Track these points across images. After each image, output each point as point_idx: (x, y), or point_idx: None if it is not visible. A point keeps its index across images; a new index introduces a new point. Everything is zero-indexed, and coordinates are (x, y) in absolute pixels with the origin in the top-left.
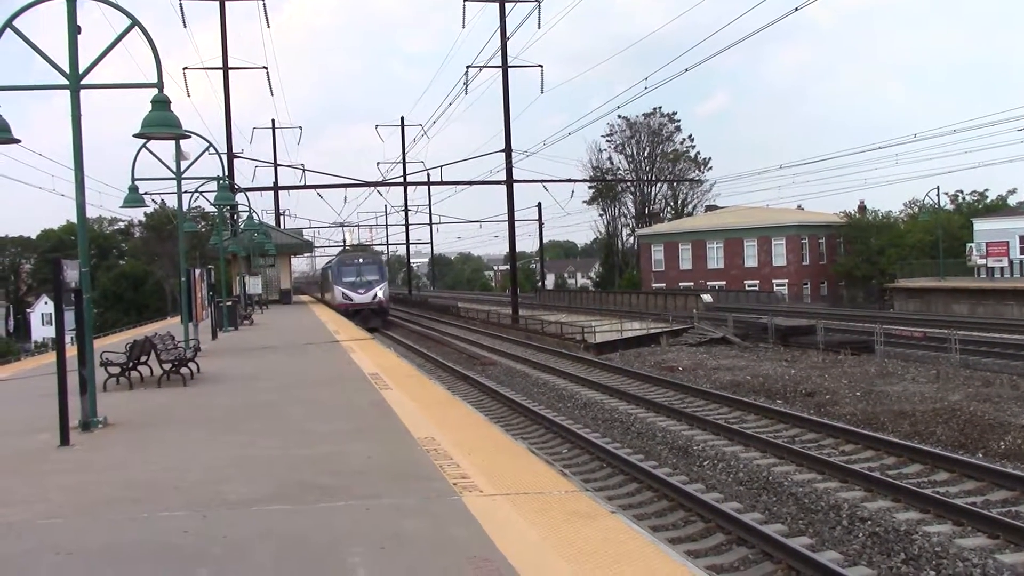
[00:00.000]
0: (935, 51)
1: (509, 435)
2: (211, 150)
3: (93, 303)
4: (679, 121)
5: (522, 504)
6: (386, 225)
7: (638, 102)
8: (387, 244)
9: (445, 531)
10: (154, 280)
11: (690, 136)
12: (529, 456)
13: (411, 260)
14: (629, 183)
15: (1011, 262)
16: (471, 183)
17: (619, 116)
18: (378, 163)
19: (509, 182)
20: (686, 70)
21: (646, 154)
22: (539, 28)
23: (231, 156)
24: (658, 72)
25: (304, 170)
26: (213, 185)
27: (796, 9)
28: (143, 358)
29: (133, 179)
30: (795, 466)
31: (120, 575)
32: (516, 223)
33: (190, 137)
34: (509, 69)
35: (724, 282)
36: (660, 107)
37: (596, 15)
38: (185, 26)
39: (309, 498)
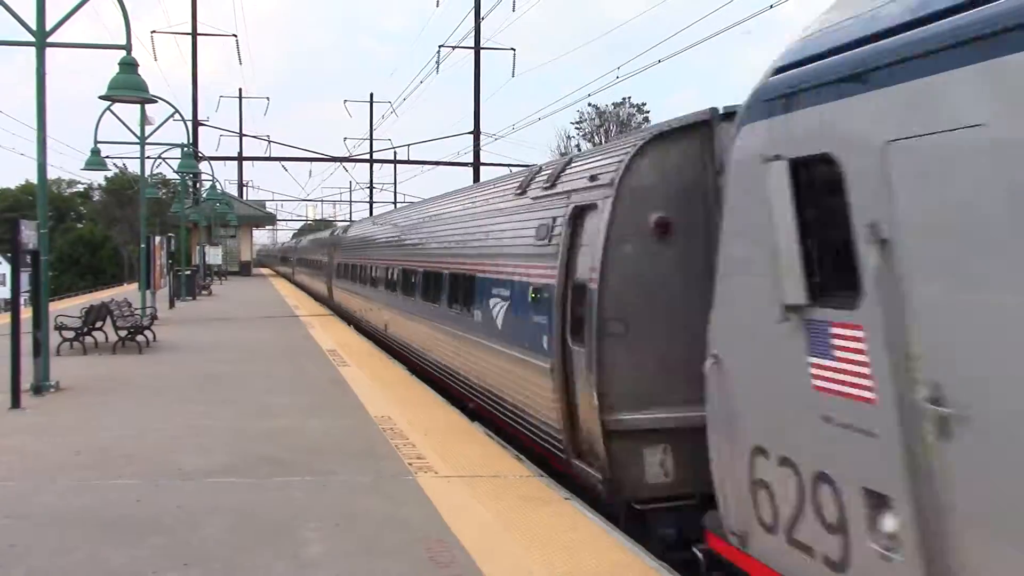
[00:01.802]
0: None
1: (466, 417)
2: (176, 116)
3: (49, 266)
4: (648, 112)
5: (477, 487)
6: (350, 201)
7: (608, 91)
8: (351, 221)
9: (400, 511)
10: (112, 246)
11: None
12: (485, 439)
13: None
14: None
15: None
16: (438, 163)
17: (589, 104)
18: (345, 138)
19: (476, 164)
20: (659, 61)
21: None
22: (513, 11)
23: (196, 123)
24: (631, 62)
25: (270, 141)
26: (177, 152)
27: (771, 6)
28: (98, 324)
29: (96, 141)
30: None
31: (69, 541)
32: None
33: (156, 102)
34: (481, 51)
35: None
36: (630, 97)
37: (571, 2)
38: None
39: (264, 472)
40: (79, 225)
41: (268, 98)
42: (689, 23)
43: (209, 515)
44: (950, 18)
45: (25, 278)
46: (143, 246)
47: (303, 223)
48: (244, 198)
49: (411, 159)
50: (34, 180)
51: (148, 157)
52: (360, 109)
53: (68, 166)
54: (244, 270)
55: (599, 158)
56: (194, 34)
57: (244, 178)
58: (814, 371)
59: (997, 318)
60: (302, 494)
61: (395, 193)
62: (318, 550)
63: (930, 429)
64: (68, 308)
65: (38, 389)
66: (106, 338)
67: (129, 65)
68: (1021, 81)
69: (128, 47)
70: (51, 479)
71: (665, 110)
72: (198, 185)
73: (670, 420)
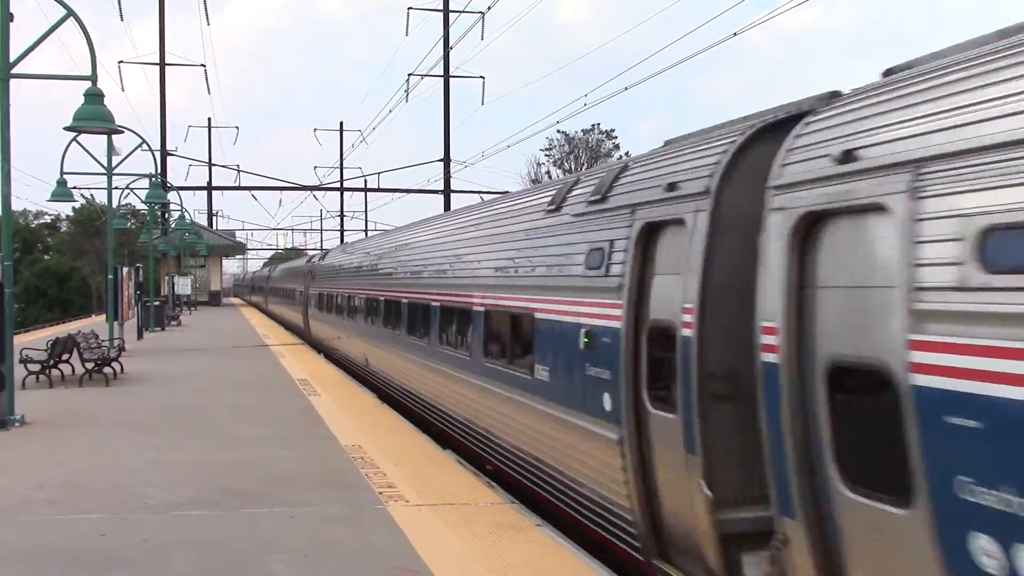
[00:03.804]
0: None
1: (436, 445)
2: (144, 146)
3: (15, 298)
4: (617, 138)
5: (448, 515)
6: (321, 230)
7: (577, 118)
8: (322, 250)
9: (370, 540)
10: (80, 277)
11: (627, 154)
12: (456, 467)
13: None
14: None
15: None
16: (408, 191)
17: (558, 131)
18: (315, 167)
19: (447, 192)
20: (625, 88)
21: (584, 170)
22: (482, 39)
23: (164, 153)
24: (598, 89)
25: (239, 171)
26: (145, 182)
27: (735, 34)
28: (65, 356)
29: (62, 172)
30: None
31: None
32: None
33: (123, 132)
34: (451, 79)
35: None
36: (599, 123)
37: (538, 31)
38: (122, 19)
39: (232, 504)
40: (46, 256)
41: (237, 127)
42: (655, 50)
43: (175, 549)
44: None
45: None
46: (111, 277)
47: (273, 252)
48: (214, 228)
49: (381, 187)
50: None
51: (116, 188)
52: (330, 137)
53: (35, 197)
54: (214, 300)
55: None
56: (162, 64)
57: (214, 208)
58: None
59: None
60: (271, 525)
61: (366, 221)
62: None
63: None
64: (34, 340)
65: (3, 423)
66: (73, 371)
67: (95, 96)
68: None
69: (94, 78)
70: (14, 515)
71: (633, 136)
72: (167, 215)
73: None
